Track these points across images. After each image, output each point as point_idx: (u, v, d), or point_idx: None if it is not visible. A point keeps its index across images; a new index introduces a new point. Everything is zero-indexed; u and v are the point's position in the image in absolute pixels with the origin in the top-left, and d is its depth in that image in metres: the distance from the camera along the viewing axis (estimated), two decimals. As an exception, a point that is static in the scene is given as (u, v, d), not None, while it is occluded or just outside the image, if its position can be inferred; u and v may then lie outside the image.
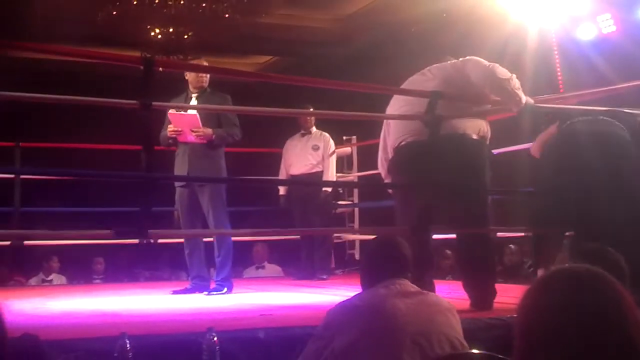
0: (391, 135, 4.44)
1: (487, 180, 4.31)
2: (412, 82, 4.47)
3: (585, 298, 1.29)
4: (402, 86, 4.59)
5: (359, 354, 2.37)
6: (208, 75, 5.60)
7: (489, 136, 4.38)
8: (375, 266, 2.66)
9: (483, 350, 2.49)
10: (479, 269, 4.20)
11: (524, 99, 4.21)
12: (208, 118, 5.46)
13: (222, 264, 5.43)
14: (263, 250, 8.04)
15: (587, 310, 1.28)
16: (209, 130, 5.38)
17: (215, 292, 5.33)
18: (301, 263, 7.19)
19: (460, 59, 4.41)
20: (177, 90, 5.63)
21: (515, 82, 4.19)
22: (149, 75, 3.56)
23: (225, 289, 5.38)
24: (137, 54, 6.98)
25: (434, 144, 4.06)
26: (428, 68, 4.44)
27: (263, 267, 7.99)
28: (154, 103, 3.65)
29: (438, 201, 4.23)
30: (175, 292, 5.46)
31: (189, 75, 5.56)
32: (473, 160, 4.21)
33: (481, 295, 4.07)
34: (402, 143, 4.30)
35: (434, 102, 4.07)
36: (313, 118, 7.16)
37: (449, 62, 4.44)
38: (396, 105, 4.49)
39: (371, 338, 2.39)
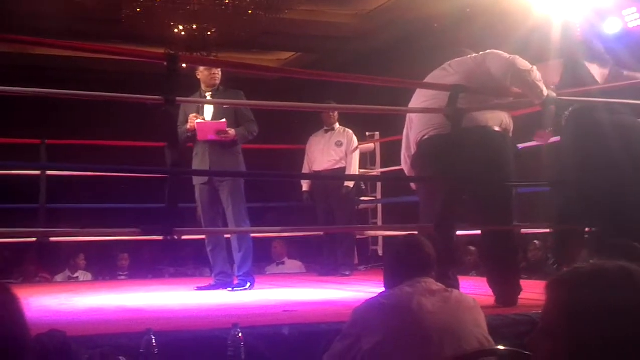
0: (414, 130, 4.43)
1: (511, 173, 4.28)
2: (433, 77, 4.45)
3: (625, 296, 1.26)
4: (424, 81, 4.57)
5: (386, 352, 2.37)
6: (220, 73, 5.58)
7: (512, 129, 4.35)
8: (400, 265, 2.66)
9: (509, 346, 2.48)
10: (504, 264, 4.17)
11: (546, 91, 4.17)
12: (225, 114, 5.47)
13: (244, 260, 5.45)
14: (281, 247, 8.05)
15: (626, 309, 1.24)
16: (232, 131, 5.39)
17: (238, 288, 5.35)
18: (324, 259, 7.20)
19: (481, 52, 4.39)
20: (191, 89, 5.61)
21: (536, 74, 4.15)
22: (172, 71, 3.57)
23: (249, 284, 5.40)
24: (161, 51, 7.00)
25: (456, 137, 4.04)
26: (448, 63, 4.42)
27: (283, 263, 8.00)
28: (177, 98, 3.67)
29: (461, 195, 4.22)
30: (199, 289, 5.49)
31: (201, 74, 5.55)
32: (496, 152, 4.18)
33: (506, 291, 4.04)
34: (425, 137, 4.29)
35: (455, 95, 4.06)
36: (336, 114, 7.16)
37: (469, 56, 4.42)
38: (418, 100, 4.47)
39: (398, 336, 2.39)
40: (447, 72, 4.36)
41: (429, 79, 4.50)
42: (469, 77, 4.23)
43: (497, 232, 4.19)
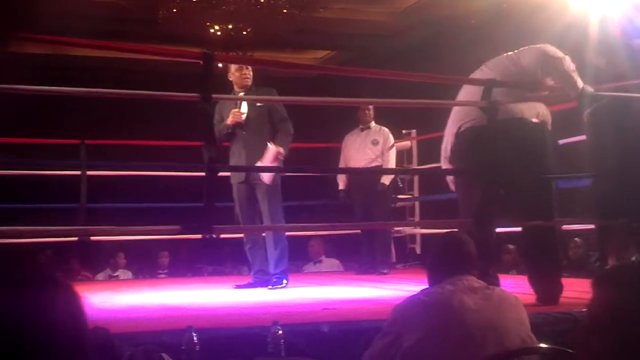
0: (450, 124, 4.40)
1: (551, 166, 4.21)
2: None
3: None
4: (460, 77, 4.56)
5: (427, 350, 2.36)
6: (251, 74, 5.58)
7: (550, 121, 4.29)
8: (441, 263, 2.64)
9: (551, 345, 2.45)
10: (545, 262, 4.11)
11: (581, 83, 4.11)
12: (259, 112, 5.50)
13: (280, 257, 5.47)
14: (318, 245, 8.05)
15: None
16: (281, 149, 5.37)
17: (278, 286, 5.36)
18: (361, 257, 7.19)
19: (515, 50, 4.35)
20: (222, 90, 5.63)
21: (570, 64, 4.09)
22: (209, 70, 3.60)
23: (285, 282, 5.42)
24: (197, 50, 7.06)
25: (491, 129, 4.01)
26: (485, 64, 4.39)
27: (320, 262, 8.00)
28: (213, 95, 3.70)
29: (499, 188, 4.17)
30: (238, 287, 5.52)
31: (233, 76, 5.56)
32: (533, 144, 4.12)
33: (547, 289, 3.99)
34: (461, 129, 4.26)
35: (488, 89, 4.03)
36: (372, 112, 7.14)
37: (504, 54, 4.38)
38: (458, 99, 4.46)
39: (439, 334, 2.38)
40: (483, 73, 4.33)
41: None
42: (504, 75, 4.20)
43: (537, 228, 4.13)
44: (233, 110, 5.45)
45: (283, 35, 8.24)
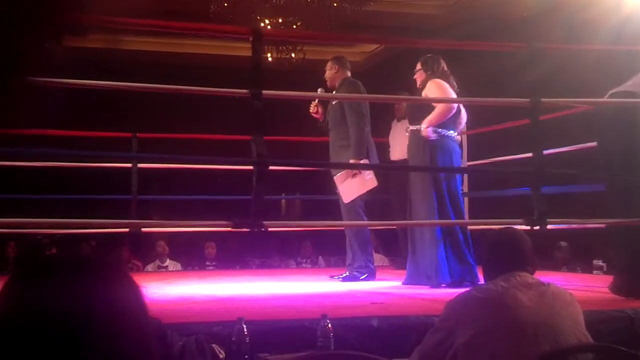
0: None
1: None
2: None
3: None
4: None
5: (481, 346, 2.34)
6: (328, 72, 5.68)
7: None
8: (496, 260, 2.61)
9: (605, 342, 2.42)
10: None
11: None
12: (335, 111, 5.57)
13: (356, 252, 5.52)
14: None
15: None
16: (364, 160, 5.44)
17: (361, 278, 5.41)
18: (402, 252, 7.12)
19: None
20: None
21: None
22: (258, 49, 3.64)
23: (365, 275, 5.45)
24: (247, 45, 7.11)
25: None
26: None
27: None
28: (264, 91, 3.71)
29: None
30: (331, 278, 5.61)
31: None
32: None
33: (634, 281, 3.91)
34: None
35: None
36: (404, 106, 7.05)
37: None
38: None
39: (493, 330, 2.35)
40: None
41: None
42: None
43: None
44: (313, 104, 5.66)
45: (333, 29, 8.22)
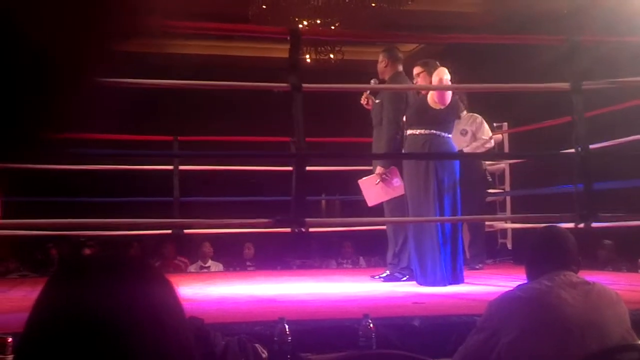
0: None
1: None
2: None
3: None
4: None
5: (526, 346, 2.31)
6: (378, 65, 5.59)
7: None
8: (540, 258, 2.57)
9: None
10: None
11: None
12: (377, 106, 5.50)
13: (401, 252, 5.44)
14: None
15: None
16: (379, 170, 5.34)
17: (403, 279, 5.34)
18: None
19: None
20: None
21: None
22: (296, 46, 3.66)
23: (406, 277, 5.35)
24: (286, 47, 7.14)
25: None
26: None
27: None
28: (304, 85, 3.72)
29: None
30: (372, 278, 5.56)
31: None
32: None
33: None
34: None
35: None
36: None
37: None
38: None
39: (538, 330, 2.32)
40: None
41: None
42: None
43: None
44: (364, 95, 5.53)
45: (371, 29, 8.20)
